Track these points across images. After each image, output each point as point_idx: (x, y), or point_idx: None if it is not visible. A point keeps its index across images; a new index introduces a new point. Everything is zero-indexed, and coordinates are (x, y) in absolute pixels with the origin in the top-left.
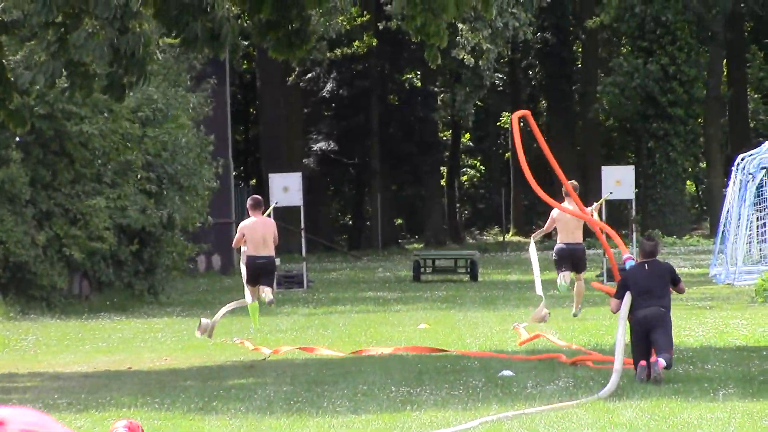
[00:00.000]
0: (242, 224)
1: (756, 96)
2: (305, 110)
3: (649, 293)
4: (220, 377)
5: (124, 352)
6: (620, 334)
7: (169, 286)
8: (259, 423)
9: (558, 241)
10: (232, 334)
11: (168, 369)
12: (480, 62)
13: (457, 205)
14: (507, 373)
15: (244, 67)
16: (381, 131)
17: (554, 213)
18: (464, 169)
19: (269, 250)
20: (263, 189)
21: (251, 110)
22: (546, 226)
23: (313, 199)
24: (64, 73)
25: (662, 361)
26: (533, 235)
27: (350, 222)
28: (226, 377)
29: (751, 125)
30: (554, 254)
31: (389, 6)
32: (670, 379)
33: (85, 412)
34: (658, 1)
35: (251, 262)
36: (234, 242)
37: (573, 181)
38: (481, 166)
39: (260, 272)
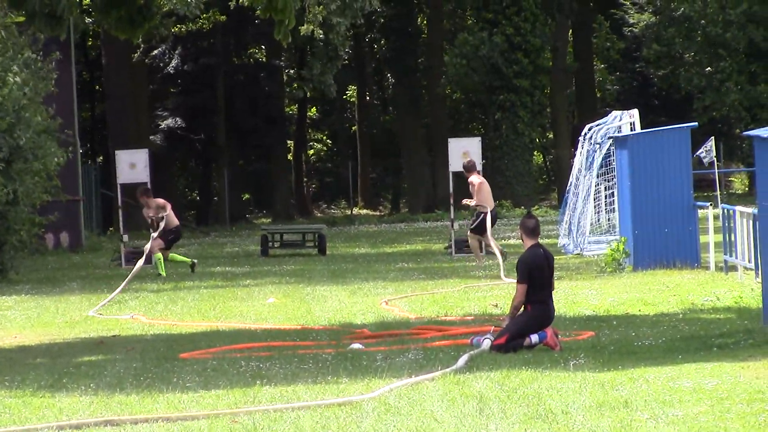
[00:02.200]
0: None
1: (602, 66)
2: (151, 87)
3: (549, 285)
4: (70, 354)
5: None
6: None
7: (18, 263)
8: (109, 399)
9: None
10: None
11: (17, 347)
12: (330, 36)
13: (305, 179)
14: (357, 346)
15: (89, 43)
16: (227, 107)
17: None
18: (311, 144)
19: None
20: (110, 166)
21: (97, 87)
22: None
23: (161, 176)
24: None
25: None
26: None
27: (198, 198)
28: (75, 354)
29: (598, 95)
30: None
31: None
32: (520, 350)
33: None
34: None
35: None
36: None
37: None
38: (328, 140)
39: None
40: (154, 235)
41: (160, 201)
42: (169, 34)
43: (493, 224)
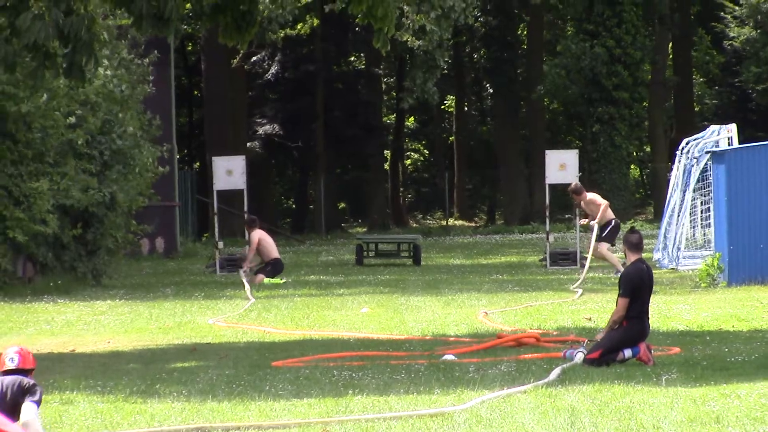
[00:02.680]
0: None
1: (701, 80)
2: (249, 93)
3: (647, 302)
4: (163, 360)
5: (68, 334)
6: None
7: (112, 268)
8: (201, 406)
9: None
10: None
11: (111, 352)
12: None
13: (401, 189)
14: (449, 357)
15: (189, 48)
16: (325, 115)
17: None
18: (408, 153)
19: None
20: (207, 172)
21: (196, 93)
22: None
23: (257, 182)
24: (27, 57)
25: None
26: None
27: (294, 206)
28: (168, 360)
29: (696, 109)
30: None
31: None
32: (613, 364)
33: None
34: None
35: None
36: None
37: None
38: (425, 150)
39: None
40: (246, 270)
41: (254, 236)
42: (275, 40)
43: (617, 233)
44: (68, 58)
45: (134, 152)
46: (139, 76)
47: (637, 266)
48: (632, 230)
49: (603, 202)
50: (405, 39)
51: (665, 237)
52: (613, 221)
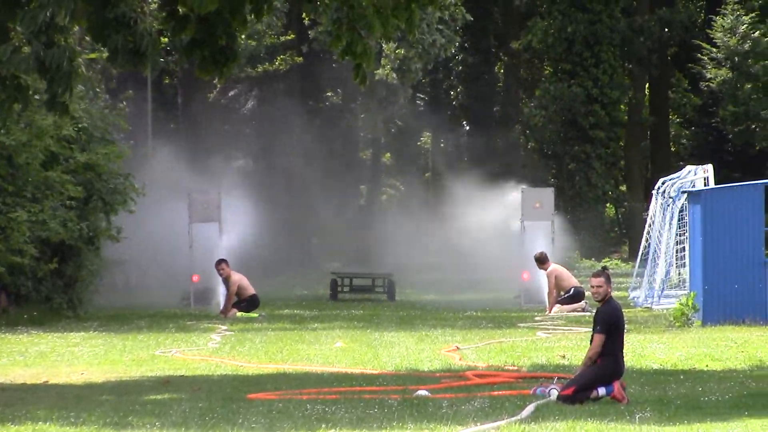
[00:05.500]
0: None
1: (678, 120)
2: (225, 127)
3: (622, 339)
4: (136, 392)
5: (41, 365)
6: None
7: (87, 300)
8: None
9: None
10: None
11: (84, 383)
12: (403, 80)
13: (377, 224)
14: (423, 392)
15: (166, 82)
16: (301, 150)
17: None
18: (384, 189)
19: None
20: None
21: (172, 126)
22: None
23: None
24: None
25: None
26: None
27: (268, 240)
28: (141, 392)
29: (673, 149)
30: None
31: (311, 31)
32: (587, 401)
33: (1, 425)
34: (585, 22)
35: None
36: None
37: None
38: (401, 186)
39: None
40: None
41: (233, 281)
42: (245, 75)
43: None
44: (50, 91)
45: (113, 190)
46: (117, 111)
47: (613, 304)
48: (604, 269)
49: (555, 277)
50: (386, 75)
51: (647, 276)
52: (573, 289)
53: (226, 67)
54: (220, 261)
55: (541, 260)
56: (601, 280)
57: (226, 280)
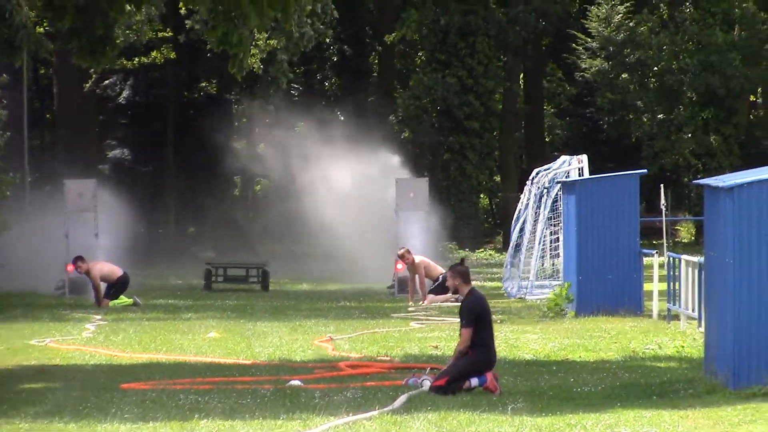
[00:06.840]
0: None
1: (552, 110)
2: (101, 117)
3: (491, 329)
4: (11, 381)
5: None
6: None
7: None
8: (48, 427)
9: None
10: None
11: None
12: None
13: (251, 214)
14: (295, 382)
15: (42, 71)
16: (176, 140)
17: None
18: (258, 180)
19: None
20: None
21: (47, 116)
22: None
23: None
24: None
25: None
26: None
27: (143, 230)
28: (16, 381)
29: (547, 139)
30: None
31: (188, 21)
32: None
33: None
34: (460, 13)
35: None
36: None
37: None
38: (275, 176)
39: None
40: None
41: (94, 273)
42: (120, 66)
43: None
44: None
45: None
46: None
47: (477, 295)
48: (461, 262)
49: (424, 268)
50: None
51: (519, 266)
52: (441, 276)
53: (103, 56)
54: (76, 259)
55: (402, 257)
56: (449, 274)
57: (88, 275)
